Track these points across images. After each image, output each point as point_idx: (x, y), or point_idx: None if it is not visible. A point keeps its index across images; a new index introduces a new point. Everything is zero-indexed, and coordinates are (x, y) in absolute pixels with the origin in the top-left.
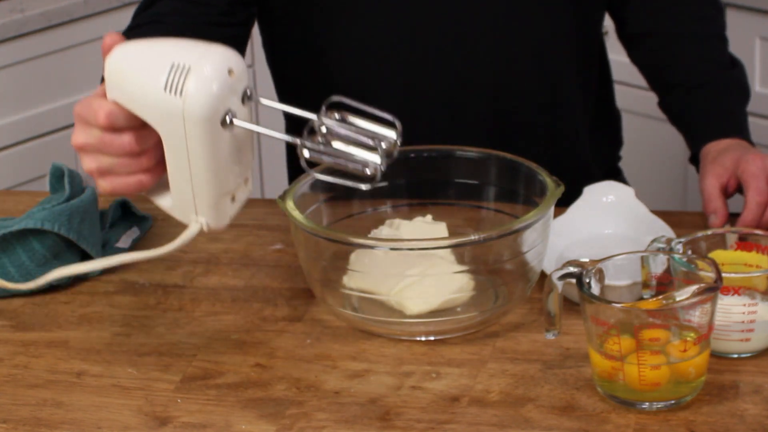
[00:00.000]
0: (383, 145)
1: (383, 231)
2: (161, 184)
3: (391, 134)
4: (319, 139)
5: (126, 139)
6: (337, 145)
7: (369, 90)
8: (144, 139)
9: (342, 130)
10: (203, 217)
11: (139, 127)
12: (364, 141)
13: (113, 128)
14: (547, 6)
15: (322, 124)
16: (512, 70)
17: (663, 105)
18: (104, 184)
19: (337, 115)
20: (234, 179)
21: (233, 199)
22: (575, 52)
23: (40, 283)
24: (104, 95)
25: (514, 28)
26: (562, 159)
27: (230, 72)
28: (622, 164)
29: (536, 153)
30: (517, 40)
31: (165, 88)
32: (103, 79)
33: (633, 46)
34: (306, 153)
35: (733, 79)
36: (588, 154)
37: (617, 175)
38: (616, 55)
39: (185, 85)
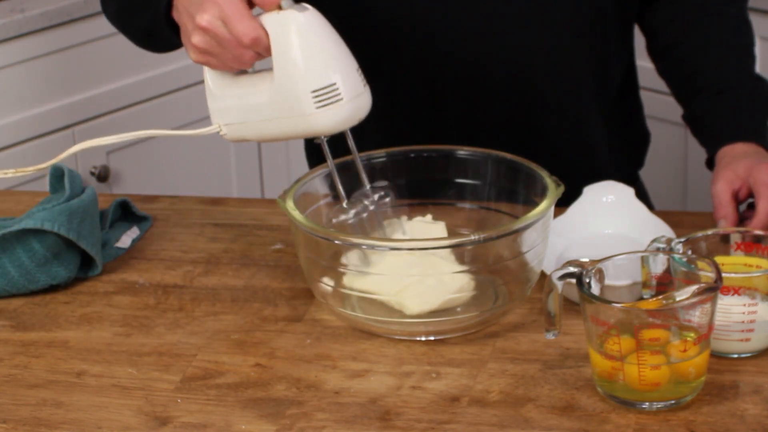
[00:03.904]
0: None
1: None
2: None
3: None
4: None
5: (251, 54)
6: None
7: (382, 84)
8: (260, 58)
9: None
10: (229, 132)
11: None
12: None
13: (249, 48)
14: (562, 6)
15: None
16: (526, 67)
17: (686, 116)
18: (199, 59)
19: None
20: None
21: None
22: (591, 56)
23: None
24: (247, 10)
25: (529, 24)
26: (571, 159)
27: (360, 119)
28: None
29: (548, 153)
30: (531, 36)
31: (312, 92)
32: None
33: (662, 58)
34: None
35: (756, 88)
36: (601, 159)
37: (635, 181)
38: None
39: (328, 107)
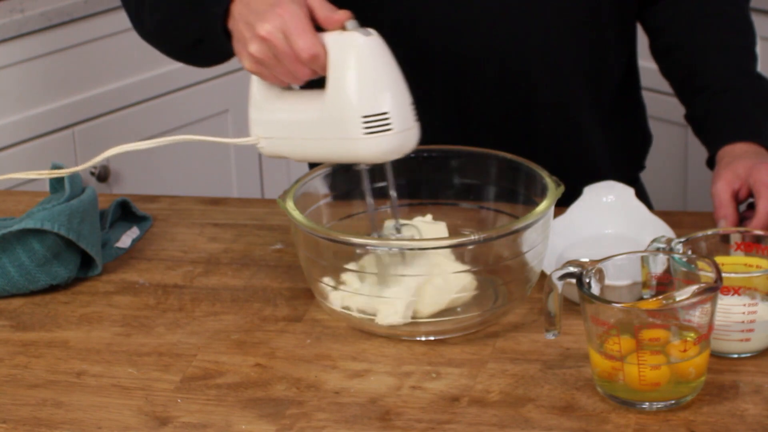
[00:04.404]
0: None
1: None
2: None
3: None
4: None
5: (306, 71)
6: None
7: None
8: (315, 76)
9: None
10: (267, 146)
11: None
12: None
13: (305, 64)
14: (556, 1)
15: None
16: (520, 63)
17: (688, 115)
18: (253, 68)
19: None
20: None
21: None
22: (586, 53)
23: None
24: (310, 25)
25: (523, 20)
26: (567, 159)
27: (404, 153)
28: None
29: (543, 152)
30: (525, 32)
31: (363, 118)
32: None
33: (664, 58)
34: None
35: (757, 88)
36: (599, 160)
37: (634, 182)
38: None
39: (376, 135)
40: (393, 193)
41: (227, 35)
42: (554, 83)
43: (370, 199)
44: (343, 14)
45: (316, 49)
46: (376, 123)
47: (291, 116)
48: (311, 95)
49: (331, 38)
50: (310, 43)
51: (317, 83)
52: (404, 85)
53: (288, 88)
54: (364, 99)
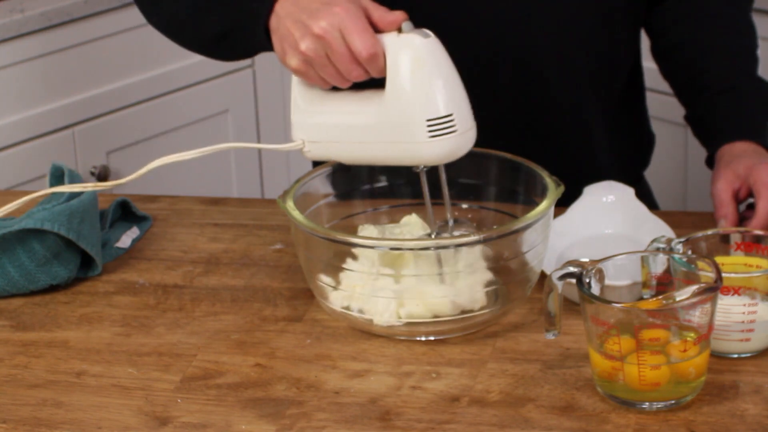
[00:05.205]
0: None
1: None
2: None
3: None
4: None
5: (360, 72)
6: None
7: None
8: (367, 77)
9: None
10: (314, 149)
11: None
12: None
13: (361, 65)
14: (570, 4)
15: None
16: (534, 63)
17: (688, 116)
18: (300, 68)
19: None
20: None
21: None
22: (598, 55)
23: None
24: (368, 25)
25: (538, 21)
26: (576, 159)
27: (462, 154)
28: None
29: (552, 151)
30: (539, 33)
31: (427, 121)
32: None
33: (665, 59)
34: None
35: (757, 89)
36: (606, 159)
37: (639, 181)
38: None
39: (439, 138)
40: (445, 191)
41: (266, 33)
42: (568, 85)
43: (428, 200)
44: (399, 15)
45: (375, 49)
46: (441, 126)
47: (341, 119)
48: (362, 97)
49: (388, 40)
50: (369, 43)
51: (358, 85)
52: (462, 86)
53: (334, 89)
54: (429, 102)
